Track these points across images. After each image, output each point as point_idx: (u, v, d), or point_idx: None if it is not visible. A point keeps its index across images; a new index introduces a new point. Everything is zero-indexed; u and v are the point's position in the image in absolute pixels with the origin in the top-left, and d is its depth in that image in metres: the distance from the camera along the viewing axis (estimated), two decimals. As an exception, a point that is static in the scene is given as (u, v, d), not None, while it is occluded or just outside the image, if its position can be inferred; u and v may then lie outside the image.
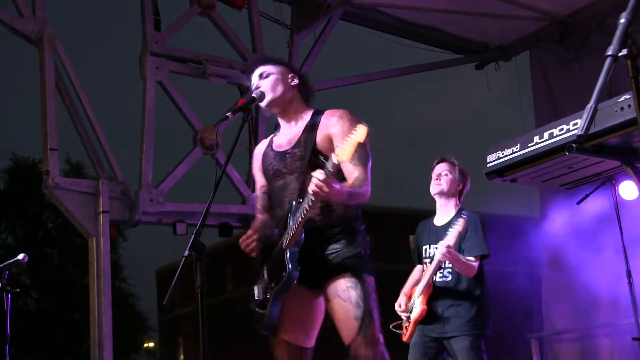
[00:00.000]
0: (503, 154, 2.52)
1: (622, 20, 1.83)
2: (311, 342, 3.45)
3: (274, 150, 3.55)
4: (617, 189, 6.40)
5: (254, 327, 3.48)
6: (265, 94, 3.47)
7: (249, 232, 3.44)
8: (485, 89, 9.35)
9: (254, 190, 7.46)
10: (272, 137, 3.68)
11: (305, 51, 8.15)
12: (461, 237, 4.49)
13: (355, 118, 3.39)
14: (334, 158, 2.94)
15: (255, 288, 3.49)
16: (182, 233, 7.07)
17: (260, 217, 3.64)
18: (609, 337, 7.64)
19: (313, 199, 3.07)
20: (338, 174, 3.19)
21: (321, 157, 3.17)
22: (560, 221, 7.98)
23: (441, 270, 4.63)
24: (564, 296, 8.15)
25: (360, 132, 2.88)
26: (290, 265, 3.24)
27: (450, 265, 4.51)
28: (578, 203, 6.78)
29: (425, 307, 4.55)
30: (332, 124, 3.40)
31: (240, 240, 3.45)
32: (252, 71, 3.61)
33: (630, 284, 5.97)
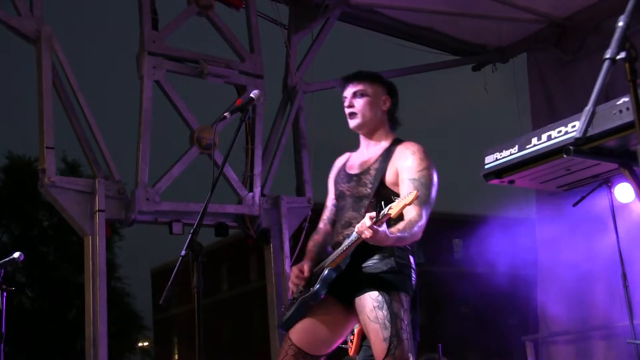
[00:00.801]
0: (501, 155, 2.52)
1: (621, 24, 1.84)
2: (319, 352, 3.45)
3: (345, 170, 3.60)
4: (613, 191, 6.43)
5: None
6: (357, 114, 3.51)
7: (304, 268, 3.48)
8: (482, 91, 9.36)
9: (250, 190, 7.47)
10: (351, 154, 3.72)
11: (302, 51, 8.16)
12: None
13: (428, 156, 3.43)
14: (386, 210, 2.98)
15: (296, 289, 3.55)
16: (178, 233, 7.06)
17: (322, 228, 3.69)
18: (604, 340, 7.66)
19: (355, 235, 3.11)
20: None
21: (389, 198, 3.17)
22: (556, 223, 8.00)
23: None
24: (560, 298, 8.16)
25: (411, 197, 2.94)
26: (319, 285, 3.30)
27: None
28: (574, 205, 6.79)
29: None
30: (403, 158, 3.42)
31: (295, 272, 3.50)
32: (346, 83, 3.59)
33: (626, 286, 5.99)
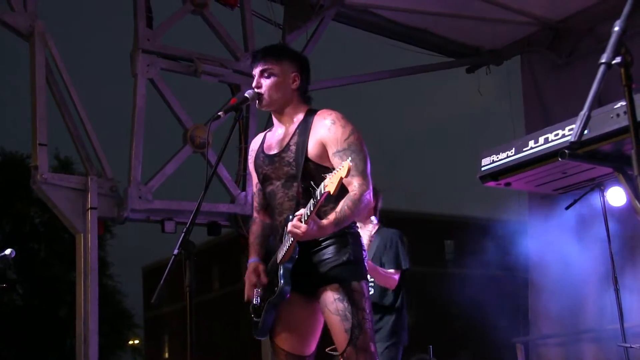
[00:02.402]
0: (498, 157, 2.51)
1: (616, 28, 1.84)
2: (310, 349, 3.43)
3: (264, 152, 3.48)
4: (606, 195, 6.43)
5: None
6: (264, 95, 3.39)
7: (259, 270, 3.42)
8: (476, 93, 9.37)
9: (243, 189, 7.47)
10: (266, 134, 3.61)
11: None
12: (380, 251, 4.76)
13: (349, 122, 3.33)
14: (322, 188, 2.92)
15: (255, 292, 3.49)
16: (170, 231, 7.06)
17: (257, 217, 3.60)
18: (595, 343, 7.67)
19: (296, 238, 3.10)
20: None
21: (317, 174, 3.12)
22: (548, 226, 8.01)
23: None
24: (550, 301, 8.18)
25: (344, 168, 2.86)
26: (282, 281, 3.24)
27: (373, 279, 4.62)
28: (566, 208, 6.80)
29: None
30: (324, 128, 3.31)
31: (247, 275, 3.45)
32: (255, 63, 3.45)
33: (617, 289, 5.99)
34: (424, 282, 35.97)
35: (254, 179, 3.62)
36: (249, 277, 3.44)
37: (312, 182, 3.08)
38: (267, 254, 3.47)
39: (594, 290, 7.63)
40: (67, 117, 6.81)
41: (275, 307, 3.32)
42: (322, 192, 2.91)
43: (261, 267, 3.41)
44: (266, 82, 3.40)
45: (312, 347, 3.44)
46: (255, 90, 3.40)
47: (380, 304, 4.73)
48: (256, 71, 3.44)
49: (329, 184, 2.89)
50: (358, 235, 3.40)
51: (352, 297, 3.20)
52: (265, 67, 3.41)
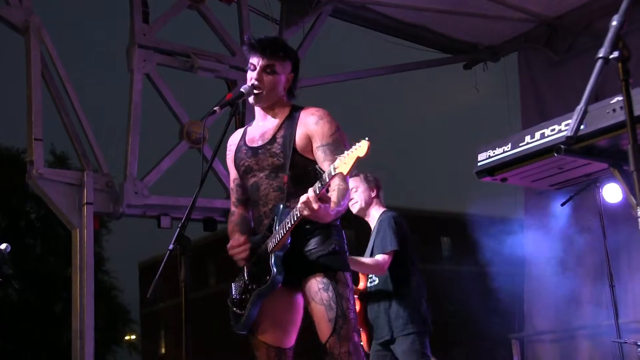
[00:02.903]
0: (494, 153, 2.51)
1: (614, 23, 1.83)
2: (290, 342, 3.43)
3: (246, 145, 3.48)
4: (601, 191, 6.44)
5: (230, 326, 3.47)
6: (263, 91, 3.37)
7: (240, 239, 3.40)
8: (473, 89, 9.37)
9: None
10: (246, 128, 3.61)
11: (293, 47, 8.12)
12: (375, 236, 4.62)
13: (334, 119, 3.37)
14: (332, 170, 2.90)
15: (234, 286, 3.48)
16: (166, 227, 7.04)
17: (236, 210, 3.59)
18: (590, 339, 7.68)
19: (299, 214, 3.05)
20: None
21: (317, 167, 3.11)
22: (544, 222, 8.02)
23: (370, 275, 4.66)
24: (546, 297, 8.19)
25: (363, 147, 2.83)
26: (275, 270, 3.22)
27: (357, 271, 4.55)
28: (562, 205, 6.81)
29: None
30: (311, 122, 3.34)
31: (229, 247, 3.41)
32: (259, 53, 3.38)
33: (612, 286, 6.01)
34: (420, 279, 36.00)
35: (232, 174, 3.61)
36: (233, 248, 3.39)
37: (299, 173, 3.09)
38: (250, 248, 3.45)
39: (589, 286, 7.64)
40: (62, 112, 6.79)
41: (263, 297, 3.30)
42: (333, 173, 2.90)
43: (243, 236, 3.39)
44: (268, 79, 3.38)
45: (293, 339, 3.45)
46: (256, 83, 3.38)
47: (385, 290, 4.57)
48: (258, 63, 3.39)
49: (341, 165, 2.87)
50: (340, 228, 3.41)
51: (336, 287, 3.21)
52: (271, 62, 3.39)
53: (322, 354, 3.22)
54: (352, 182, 4.62)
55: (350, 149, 2.87)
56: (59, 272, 25.86)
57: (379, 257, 4.50)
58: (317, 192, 2.98)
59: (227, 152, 3.65)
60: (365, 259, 4.53)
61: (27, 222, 27.84)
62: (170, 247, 3.08)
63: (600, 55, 1.79)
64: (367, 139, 2.85)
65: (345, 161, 2.86)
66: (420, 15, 8.59)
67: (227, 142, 3.71)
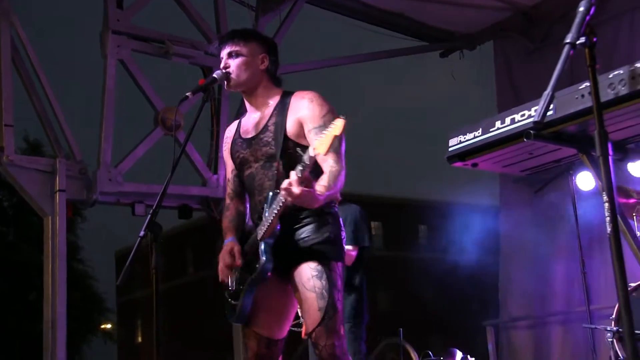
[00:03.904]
0: (465, 138, 2.50)
1: (581, 9, 1.84)
2: (282, 333, 3.39)
3: (241, 137, 3.45)
4: (575, 179, 6.50)
5: (225, 317, 3.43)
6: (232, 75, 3.36)
7: (235, 248, 3.32)
8: (449, 77, 9.39)
9: (215, 172, 7.43)
10: (240, 120, 3.58)
11: (270, 34, 8.09)
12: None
13: (326, 101, 3.32)
14: (311, 151, 2.86)
15: (231, 279, 3.43)
16: (140, 214, 7.00)
17: (231, 204, 3.54)
18: (562, 325, 7.77)
19: (283, 199, 2.98)
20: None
21: (298, 150, 3.01)
22: (519, 210, 8.08)
23: None
24: (520, 284, 8.26)
25: (338, 125, 2.79)
26: (264, 258, 3.17)
27: None
28: (536, 192, 6.87)
29: None
30: (302, 107, 3.30)
31: (221, 256, 3.35)
32: (222, 45, 3.43)
33: (583, 272, 6.07)
34: (397, 267, 36.17)
35: (229, 165, 3.58)
36: (223, 258, 3.35)
37: (291, 159, 3.04)
38: (243, 238, 3.43)
39: (562, 273, 7.72)
40: (34, 98, 6.72)
41: (255, 286, 3.25)
42: (311, 154, 2.84)
43: (237, 248, 3.33)
44: (234, 62, 3.38)
45: (285, 331, 3.41)
46: (223, 70, 3.38)
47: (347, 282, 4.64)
48: (224, 53, 3.42)
49: (318, 145, 2.82)
50: (337, 216, 3.36)
51: (330, 276, 3.16)
52: (233, 48, 3.39)
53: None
54: None
55: (327, 128, 2.83)
56: (32, 260, 25.62)
57: (350, 247, 4.54)
58: (300, 175, 2.90)
59: (223, 145, 3.63)
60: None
61: (0, 210, 27.57)
62: (141, 233, 3.05)
63: (568, 40, 1.79)
64: (343, 116, 2.82)
65: (322, 141, 2.81)
66: (397, 3, 8.57)
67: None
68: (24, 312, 25.32)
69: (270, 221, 3.14)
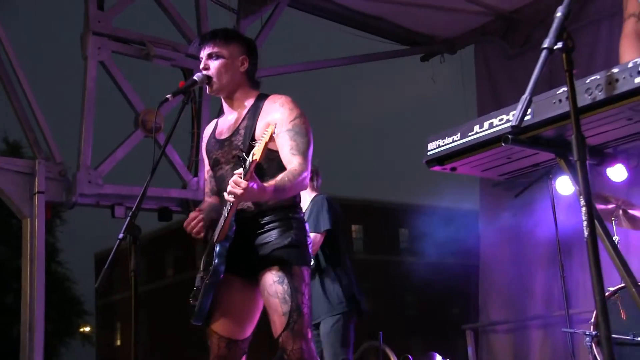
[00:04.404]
0: (443, 142, 2.52)
1: (559, 14, 1.86)
2: (244, 334, 3.39)
3: (215, 138, 3.48)
4: (554, 183, 6.54)
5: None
6: (212, 78, 3.37)
7: (193, 213, 3.35)
8: (430, 81, 9.43)
9: (195, 175, 7.41)
10: (218, 120, 3.61)
11: (251, 36, 8.08)
12: (306, 217, 4.57)
13: (297, 106, 3.35)
14: (251, 157, 2.90)
15: (197, 277, 3.46)
16: (120, 216, 6.97)
17: (208, 199, 3.57)
18: (541, 329, 7.81)
19: (230, 199, 3.01)
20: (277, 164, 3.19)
21: (243, 154, 3.02)
22: (499, 214, 8.12)
23: None
24: (500, 288, 8.30)
25: (269, 133, 2.90)
26: (216, 260, 3.20)
27: None
28: (516, 196, 6.90)
29: None
30: (273, 110, 3.32)
31: (185, 223, 3.36)
32: (202, 45, 3.44)
33: (563, 277, 6.10)
34: (377, 270, 36.22)
35: (206, 165, 3.60)
36: (191, 215, 3.36)
37: (260, 163, 3.08)
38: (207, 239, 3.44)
39: (542, 277, 7.76)
40: (13, 99, 6.67)
41: (212, 288, 3.27)
42: (250, 160, 2.90)
43: (201, 217, 3.33)
44: (214, 64, 3.39)
45: (248, 331, 3.41)
46: (204, 72, 3.38)
47: (319, 268, 4.66)
48: (204, 53, 3.44)
49: (256, 150, 2.89)
50: (302, 221, 3.39)
51: (292, 281, 3.19)
52: (214, 49, 3.40)
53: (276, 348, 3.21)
54: None
55: (262, 134, 2.95)
56: (10, 262, 25.44)
57: (312, 235, 4.53)
58: (242, 178, 2.94)
59: (202, 143, 3.65)
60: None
61: (-23, 212, 27.33)
62: (120, 236, 3.05)
63: (545, 45, 1.81)
64: (274, 125, 3.00)
65: (259, 146, 2.90)
66: (378, 6, 8.59)
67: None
68: (0, 315, 25.11)
69: (223, 221, 3.17)
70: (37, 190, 6.46)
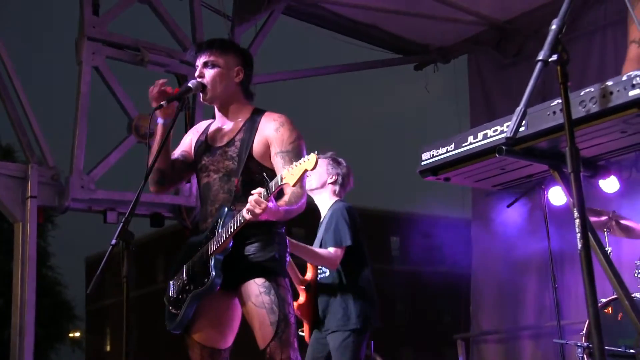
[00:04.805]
0: (437, 152, 2.52)
1: (554, 27, 1.87)
2: (226, 344, 3.40)
3: (206, 142, 3.48)
4: (547, 194, 6.56)
5: (165, 325, 3.44)
6: (207, 87, 3.38)
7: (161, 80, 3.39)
8: (423, 90, 9.45)
9: (188, 181, 7.39)
10: (210, 124, 3.59)
11: (246, 44, 8.10)
12: (326, 227, 4.45)
13: (296, 128, 3.37)
14: (279, 180, 2.92)
15: (171, 285, 3.45)
16: (112, 221, 6.96)
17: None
18: (533, 339, 7.82)
19: (247, 217, 3.02)
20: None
21: (264, 174, 3.05)
22: (491, 223, 8.13)
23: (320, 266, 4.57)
24: (491, 298, 8.30)
25: (311, 161, 2.86)
26: (214, 273, 3.20)
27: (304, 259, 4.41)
28: (508, 206, 6.91)
29: (300, 302, 4.50)
30: (271, 128, 3.33)
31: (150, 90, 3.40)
32: (199, 53, 3.44)
33: (554, 287, 6.11)
34: (369, 278, 36.17)
35: (182, 146, 3.60)
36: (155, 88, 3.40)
37: (251, 178, 3.10)
38: (189, 249, 3.43)
39: (534, 287, 7.77)
40: (7, 103, 6.66)
41: (200, 299, 3.27)
42: (280, 183, 2.92)
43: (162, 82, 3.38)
44: (210, 73, 3.39)
45: (230, 341, 3.42)
46: (198, 80, 3.38)
47: (335, 283, 4.45)
48: (199, 61, 3.44)
49: (288, 176, 2.89)
50: (284, 236, 3.41)
51: (278, 291, 3.20)
52: (210, 58, 3.41)
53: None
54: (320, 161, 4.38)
55: (299, 161, 2.89)
56: (1, 266, 25.34)
57: (332, 250, 4.37)
58: (264, 199, 2.97)
59: (191, 132, 3.64)
60: (319, 250, 4.39)
61: (-31, 216, 27.20)
62: (113, 242, 3.05)
63: (540, 57, 1.82)
64: (316, 152, 2.88)
65: (292, 172, 2.88)
66: (372, 14, 8.62)
67: (178, 137, 3.70)
68: (-9, 319, 24.99)
69: (224, 238, 3.18)
70: (29, 194, 6.44)
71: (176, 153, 3.58)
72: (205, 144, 3.48)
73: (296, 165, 2.89)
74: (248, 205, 2.98)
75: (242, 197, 3.19)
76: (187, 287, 3.32)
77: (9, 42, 6.74)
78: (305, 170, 2.86)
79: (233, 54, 3.47)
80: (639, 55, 2.97)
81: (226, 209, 3.23)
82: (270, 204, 3.00)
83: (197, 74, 3.41)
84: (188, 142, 3.60)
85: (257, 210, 2.96)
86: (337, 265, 4.44)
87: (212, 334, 3.36)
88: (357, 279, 4.52)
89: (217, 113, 3.53)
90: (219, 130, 3.48)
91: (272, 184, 2.95)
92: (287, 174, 2.90)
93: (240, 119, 3.43)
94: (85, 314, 36.91)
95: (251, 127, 3.36)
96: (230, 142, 3.37)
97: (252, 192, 3.00)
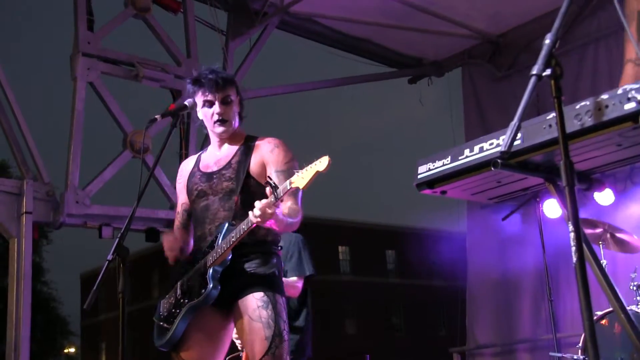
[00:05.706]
0: (434, 165, 2.53)
1: (547, 41, 1.88)
2: None
3: (200, 171, 3.51)
4: (542, 207, 6.57)
5: (154, 342, 3.42)
6: (231, 122, 3.43)
7: (171, 236, 3.43)
8: (417, 104, 9.48)
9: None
10: (200, 155, 3.64)
11: (240, 58, 8.12)
12: (284, 257, 4.51)
13: (290, 149, 3.44)
14: (287, 185, 2.93)
15: (161, 304, 3.45)
16: (107, 237, 6.95)
17: (177, 232, 3.59)
18: (529, 353, 7.81)
19: (256, 220, 3.03)
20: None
21: (270, 181, 3.04)
22: (486, 237, 8.14)
23: None
24: (487, 311, 8.29)
25: (323, 162, 2.86)
26: (211, 284, 3.20)
27: None
28: (503, 219, 6.93)
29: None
30: (267, 150, 3.40)
31: (166, 244, 3.40)
32: (214, 89, 3.42)
33: (550, 300, 6.11)
34: (364, 292, 36.15)
35: (181, 199, 3.63)
36: (167, 239, 3.45)
37: (250, 197, 3.11)
38: (183, 268, 3.44)
39: (529, 300, 7.77)
40: (2, 119, 6.66)
41: (194, 312, 3.27)
42: (288, 187, 2.92)
43: (174, 239, 3.43)
44: (229, 109, 3.45)
45: (219, 359, 3.41)
46: (221, 117, 3.40)
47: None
48: (217, 98, 3.43)
49: (298, 179, 2.89)
50: (280, 258, 3.44)
51: (275, 307, 3.22)
52: (227, 94, 3.44)
53: None
54: None
55: (311, 164, 2.88)
56: (-5, 282, 25.25)
57: (295, 279, 4.51)
58: (273, 202, 2.98)
59: (178, 178, 3.67)
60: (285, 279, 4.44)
61: (-36, 231, 27.12)
62: (109, 257, 3.05)
63: (534, 72, 1.83)
64: (327, 157, 2.89)
65: (303, 176, 2.89)
66: (366, 28, 8.66)
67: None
68: (-15, 335, 24.86)
69: (223, 249, 3.20)
70: (24, 210, 6.44)
71: (180, 211, 3.63)
72: (200, 172, 3.52)
73: (307, 170, 2.89)
74: (256, 210, 2.99)
75: (241, 215, 3.21)
76: (182, 301, 3.31)
77: (3, 58, 6.75)
78: (317, 173, 2.86)
79: (234, 86, 3.53)
80: (635, 74, 3.00)
81: (227, 224, 3.25)
82: (278, 210, 3.03)
83: (218, 110, 3.42)
84: (181, 188, 3.62)
85: (269, 210, 2.98)
86: (298, 294, 4.54)
87: (202, 352, 3.34)
88: (304, 316, 4.67)
89: (214, 141, 3.56)
90: (213, 157, 3.54)
91: (280, 189, 2.95)
92: (296, 178, 2.91)
93: (234, 145, 3.50)
94: (80, 329, 36.74)
95: (246, 150, 3.44)
96: (227, 165, 3.43)
97: (260, 200, 3.01)
